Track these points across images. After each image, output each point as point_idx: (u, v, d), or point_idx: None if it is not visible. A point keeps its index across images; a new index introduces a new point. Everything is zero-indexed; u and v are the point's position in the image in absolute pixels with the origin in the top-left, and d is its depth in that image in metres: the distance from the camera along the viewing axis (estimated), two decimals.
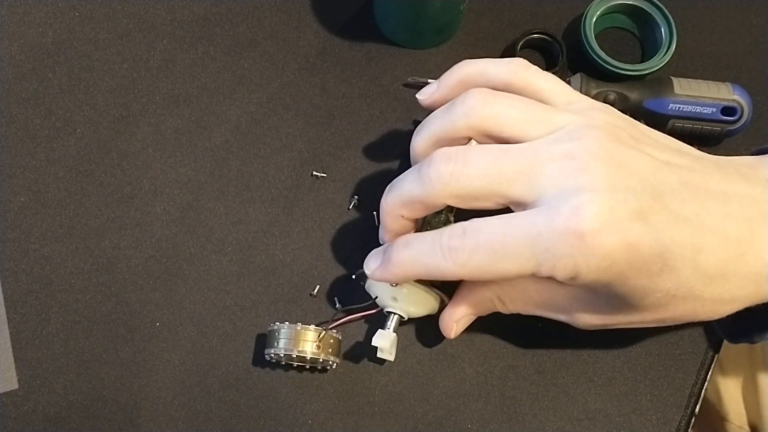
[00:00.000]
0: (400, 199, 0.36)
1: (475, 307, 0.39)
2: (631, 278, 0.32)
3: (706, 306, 0.34)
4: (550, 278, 0.36)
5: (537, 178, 0.32)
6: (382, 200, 0.37)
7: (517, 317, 0.39)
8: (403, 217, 0.36)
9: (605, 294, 0.33)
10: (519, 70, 0.37)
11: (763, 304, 0.35)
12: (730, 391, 0.61)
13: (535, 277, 0.37)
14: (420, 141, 0.37)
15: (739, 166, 0.35)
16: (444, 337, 0.40)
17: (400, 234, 0.37)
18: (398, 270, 0.36)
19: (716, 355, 0.44)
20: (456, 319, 0.39)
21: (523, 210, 0.32)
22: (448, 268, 0.33)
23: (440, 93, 0.38)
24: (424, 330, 0.43)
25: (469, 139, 0.36)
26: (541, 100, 0.36)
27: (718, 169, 0.34)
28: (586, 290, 0.34)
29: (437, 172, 0.34)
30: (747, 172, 0.35)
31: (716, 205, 0.33)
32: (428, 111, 0.38)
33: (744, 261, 0.33)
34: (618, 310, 0.35)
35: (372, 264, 0.38)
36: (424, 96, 0.39)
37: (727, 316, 0.35)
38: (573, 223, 0.30)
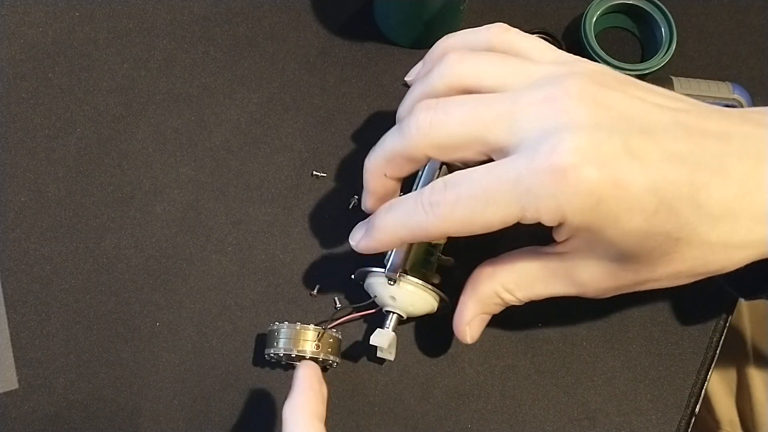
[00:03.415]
0: (382, 155, 0.35)
1: (483, 304, 0.37)
2: (623, 219, 0.30)
3: (717, 252, 0.32)
4: (549, 253, 0.35)
5: (517, 122, 0.31)
6: (366, 161, 0.36)
7: (516, 317, 0.39)
8: (386, 176, 0.36)
9: (604, 246, 0.32)
10: (499, 32, 0.36)
11: None
12: (722, 399, 0.60)
13: (533, 253, 0.36)
14: (403, 109, 0.37)
15: (744, 113, 0.34)
16: (444, 337, 0.40)
17: (384, 197, 0.37)
18: (383, 235, 0.35)
19: (716, 355, 0.44)
20: (467, 321, 0.38)
21: (505, 158, 0.31)
22: (431, 223, 0.32)
23: (425, 69, 0.38)
24: (424, 330, 0.43)
25: None
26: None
27: (719, 112, 0.33)
28: (585, 250, 0.33)
29: (417, 122, 0.33)
30: (753, 117, 0.33)
31: (715, 144, 0.31)
32: None
33: (751, 200, 0.31)
34: (624, 265, 0.33)
35: (357, 235, 0.37)
36: (411, 77, 0.39)
37: (742, 272, 0.34)
38: (552, 160, 0.29)
